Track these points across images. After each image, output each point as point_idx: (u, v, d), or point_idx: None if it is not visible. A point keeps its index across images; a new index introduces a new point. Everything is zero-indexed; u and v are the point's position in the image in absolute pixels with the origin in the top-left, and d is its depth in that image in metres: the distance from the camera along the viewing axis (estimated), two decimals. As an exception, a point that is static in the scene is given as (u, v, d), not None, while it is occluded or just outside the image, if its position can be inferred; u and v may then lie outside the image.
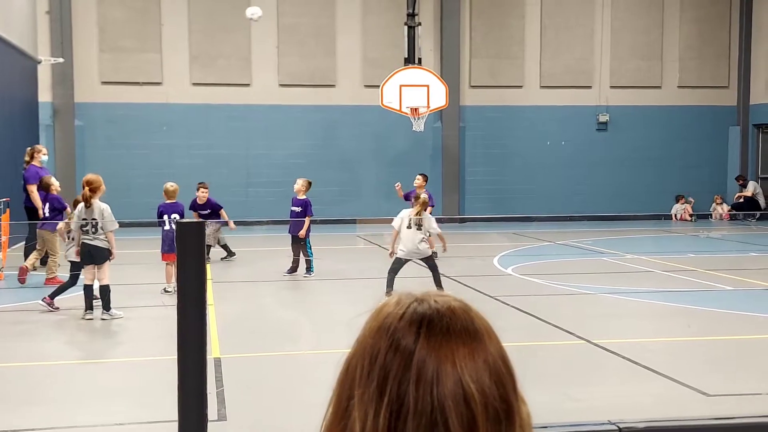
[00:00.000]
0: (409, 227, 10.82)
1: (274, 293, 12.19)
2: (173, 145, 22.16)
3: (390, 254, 11.20)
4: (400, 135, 21.97)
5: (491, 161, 23.38)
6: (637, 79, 24.01)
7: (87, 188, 9.71)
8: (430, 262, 11.07)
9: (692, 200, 23.65)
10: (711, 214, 23.52)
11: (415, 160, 22.90)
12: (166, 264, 11.35)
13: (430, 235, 11.03)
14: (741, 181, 23.82)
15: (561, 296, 11.48)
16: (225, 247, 14.82)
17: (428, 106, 18.96)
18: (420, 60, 19.72)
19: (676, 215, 23.48)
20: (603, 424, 2.57)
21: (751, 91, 24.28)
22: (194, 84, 22.42)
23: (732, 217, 23.41)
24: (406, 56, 19.63)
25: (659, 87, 24.18)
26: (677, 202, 23.69)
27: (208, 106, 22.35)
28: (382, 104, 19.03)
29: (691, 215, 23.21)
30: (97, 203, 9.75)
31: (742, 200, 23.59)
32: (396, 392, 1.01)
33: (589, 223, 21.69)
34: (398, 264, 10.92)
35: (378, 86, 19.40)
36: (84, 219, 9.69)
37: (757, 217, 23.23)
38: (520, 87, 23.66)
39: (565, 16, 23.62)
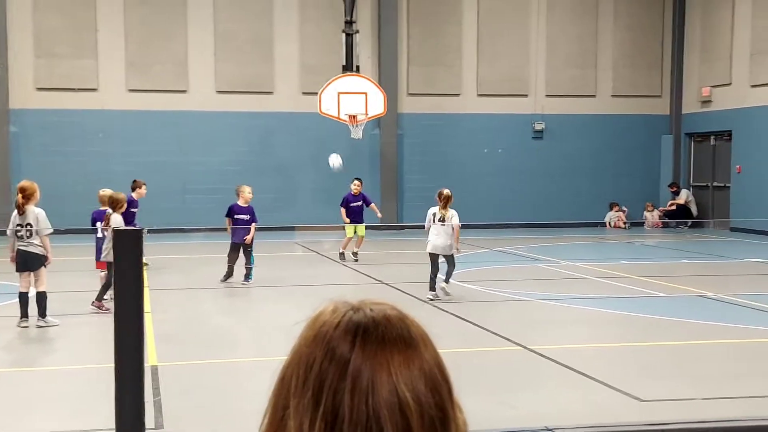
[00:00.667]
0: (434, 222, 11.61)
1: (212, 301, 12.05)
2: (109, 152, 21.79)
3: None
4: (338, 142, 21.93)
5: (429, 168, 23.52)
6: (571, 87, 24.44)
7: (20, 195, 9.53)
8: (451, 257, 11.57)
9: (625, 208, 24.15)
10: (644, 222, 24.04)
11: (354, 167, 22.87)
12: (101, 272, 11.16)
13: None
14: (674, 188, 24.41)
15: (497, 302, 11.59)
16: None
17: (366, 114, 18.99)
18: (358, 67, 19.76)
19: (610, 223, 23.94)
20: (539, 430, 2.60)
21: (683, 100, 24.90)
22: (130, 90, 22.09)
23: (665, 225, 23.96)
24: (344, 63, 19.65)
25: (594, 96, 24.65)
26: (611, 209, 24.16)
27: (145, 112, 22.03)
28: (320, 111, 18.99)
29: (624, 223, 23.69)
30: (32, 209, 9.54)
31: (674, 208, 24.17)
32: (331, 402, 1.00)
33: (525, 230, 21.98)
34: (434, 260, 11.49)
35: (316, 93, 19.36)
36: (18, 225, 9.50)
37: (689, 224, 23.83)
38: (458, 95, 23.88)
39: (500, 25, 23.93)
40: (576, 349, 8.60)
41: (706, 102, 24.01)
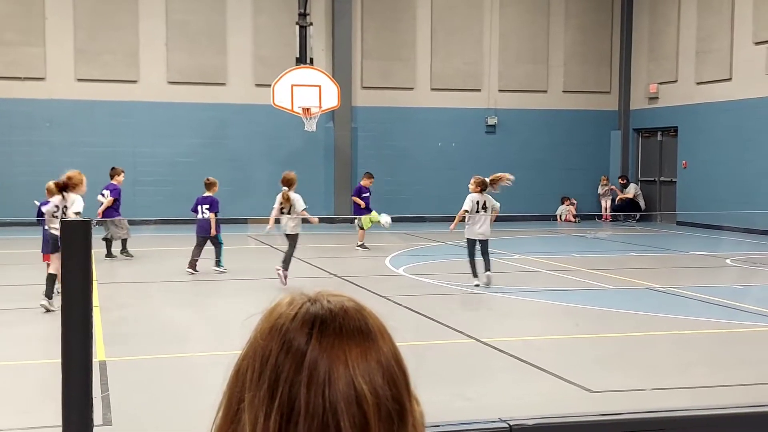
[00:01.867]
0: (478, 211, 12.13)
1: (164, 294, 11.90)
2: (56, 143, 21.38)
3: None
4: (292, 135, 21.87)
5: (383, 162, 23.53)
6: (524, 83, 24.64)
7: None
8: (486, 243, 12.09)
9: (575, 202, 24.44)
10: (557, 218, 24.10)
11: (308, 159, 22.83)
12: (48, 265, 10.94)
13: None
14: (623, 181, 24.78)
15: (452, 296, 11.65)
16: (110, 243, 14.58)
17: (320, 107, 18.95)
18: (312, 60, 19.70)
19: (561, 216, 24.22)
20: (494, 422, 2.61)
21: (632, 96, 25.28)
22: (79, 80, 21.69)
23: (614, 218, 24.32)
24: (298, 56, 19.57)
25: (545, 91, 24.89)
26: (562, 203, 24.45)
27: (94, 102, 21.66)
28: (274, 104, 18.90)
29: (575, 216, 23.99)
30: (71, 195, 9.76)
31: (623, 202, 24.53)
32: (287, 394, 0.99)
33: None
34: (472, 246, 12.04)
35: (269, 85, 19.25)
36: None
37: (638, 218, 24.22)
38: (411, 89, 23.92)
39: (454, 20, 24.02)
40: (528, 342, 8.69)
41: (654, 98, 24.41)
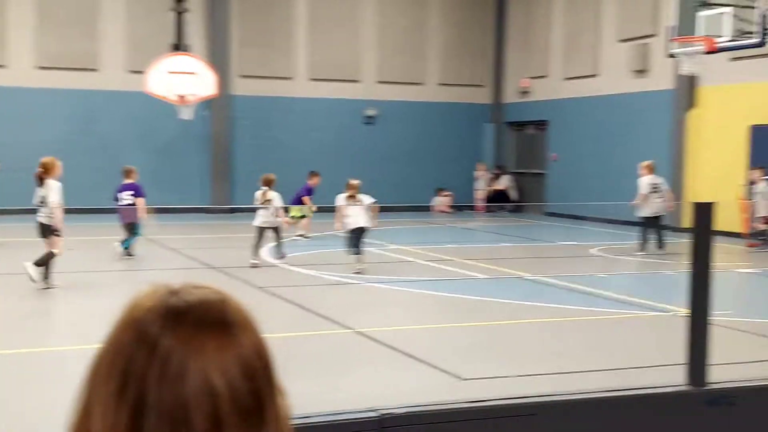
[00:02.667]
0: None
1: (24, 288, 11.40)
2: None
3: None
4: (168, 122, 21.32)
5: (261, 151, 23.32)
6: (401, 75, 24.91)
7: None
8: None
9: (450, 193, 24.94)
10: (430, 208, 24.58)
11: (184, 148, 22.38)
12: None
13: None
14: (498, 171, 25.45)
15: (328, 286, 11.70)
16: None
17: (196, 94, 18.58)
18: (188, 47, 19.29)
19: (436, 207, 24.66)
20: (365, 411, 2.66)
21: (504, 90, 25.99)
22: (-63, 62, 20.48)
23: (487, 209, 24.96)
24: (174, 42, 19.11)
25: (422, 84, 25.25)
26: (437, 194, 24.89)
27: (-46, 86, 20.51)
28: (148, 91, 18.40)
29: (450, 207, 24.47)
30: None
31: (495, 193, 25.20)
32: (138, 388, 0.97)
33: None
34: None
35: (143, 72, 18.73)
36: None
37: (510, 209, 24.95)
38: (290, 78, 23.79)
39: (332, 10, 24.01)
40: (402, 331, 8.83)
41: (525, 93, 25.18)
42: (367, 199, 12.98)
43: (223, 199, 22.82)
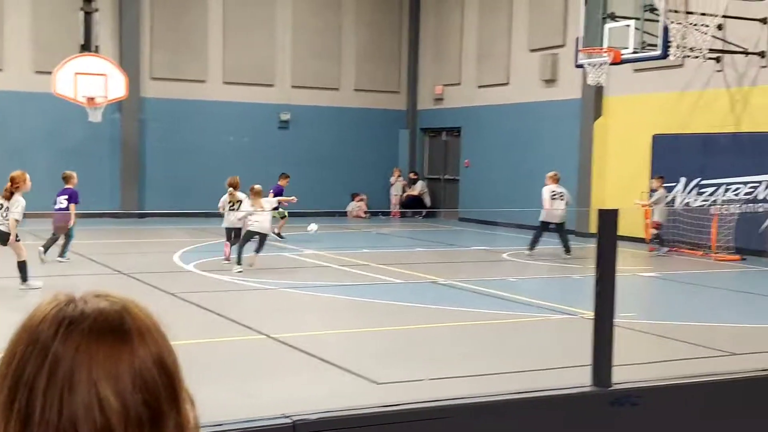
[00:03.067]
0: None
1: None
2: None
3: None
4: (75, 125, 20.75)
5: (173, 155, 22.94)
6: (317, 79, 24.89)
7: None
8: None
9: (365, 198, 25.03)
10: (347, 213, 24.76)
11: (93, 151, 21.82)
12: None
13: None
14: (414, 176, 25.64)
15: (242, 292, 11.59)
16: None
17: (106, 97, 18.17)
18: (97, 48, 18.82)
19: (351, 212, 24.71)
20: (277, 418, 2.65)
21: (419, 97, 26.25)
22: None
23: (402, 215, 25.14)
24: (83, 43, 18.63)
25: (337, 89, 25.28)
26: (353, 199, 24.94)
27: None
28: (55, 92, 17.89)
29: (365, 212, 24.55)
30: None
31: (409, 198, 25.41)
32: (28, 398, 0.95)
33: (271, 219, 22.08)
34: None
35: (51, 73, 18.20)
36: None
37: (424, 214, 25.19)
38: (203, 81, 23.48)
39: (246, 13, 23.82)
40: (317, 336, 8.82)
41: (439, 99, 25.49)
42: (268, 204, 13.55)
43: (133, 203, 22.33)
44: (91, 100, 17.90)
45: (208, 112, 23.39)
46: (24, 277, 10.93)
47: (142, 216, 22.27)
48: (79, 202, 13.83)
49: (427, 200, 25.71)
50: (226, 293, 11.37)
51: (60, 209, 13.56)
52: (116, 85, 18.32)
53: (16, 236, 10.90)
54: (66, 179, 14.13)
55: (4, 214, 10.99)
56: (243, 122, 23.83)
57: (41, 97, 20.08)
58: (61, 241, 13.47)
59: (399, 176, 25.40)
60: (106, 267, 13.33)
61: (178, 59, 23.03)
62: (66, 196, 13.67)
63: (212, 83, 23.59)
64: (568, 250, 15.57)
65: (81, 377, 0.95)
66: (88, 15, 18.61)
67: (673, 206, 17.53)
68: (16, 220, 10.89)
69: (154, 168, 22.79)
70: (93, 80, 17.95)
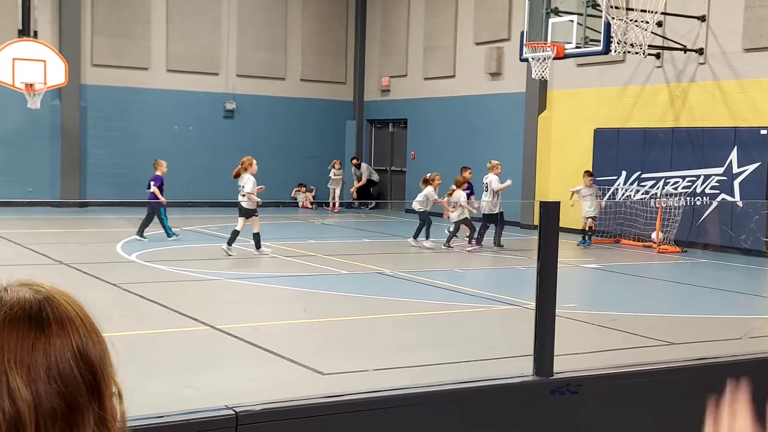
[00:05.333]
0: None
1: None
2: None
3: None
4: (14, 112, 20.29)
5: (115, 144, 22.55)
6: (262, 69, 24.69)
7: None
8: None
9: (313, 188, 24.95)
10: (298, 204, 24.69)
11: (31, 139, 21.35)
12: None
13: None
14: (356, 161, 25.52)
15: (186, 282, 11.47)
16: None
17: (45, 83, 17.81)
18: (36, 33, 18.43)
19: (299, 203, 24.60)
20: (220, 409, 2.64)
21: (365, 88, 26.23)
22: None
23: (348, 206, 25.12)
24: (20, 28, 18.20)
25: (283, 79, 25.12)
26: (299, 190, 24.83)
27: None
28: (-8, 78, 17.46)
29: (312, 203, 24.47)
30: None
31: (361, 189, 25.37)
32: None
33: (215, 209, 21.92)
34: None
35: (-13, 58, 17.75)
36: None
37: (372, 206, 25.21)
38: (146, 69, 23.10)
39: (192, 1, 23.50)
40: (262, 327, 8.78)
41: (386, 91, 25.51)
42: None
43: (74, 192, 21.91)
44: (29, 86, 17.54)
45: (151, 100, 23.04)
46: (258, 245, 13.40)
47: (83, 205, 21.88)
48: (162, 186, 15.38)
49: (375, 177, 25.50)
50: (170, 284, 11.24)
51: (150, 194, 15.17)
52: (56, 72, 17.96)
53: (254, 211, 13.21)
54: (155, 166, 15.72)
55: (241, 192, 13.53)
56: (187, 111, 23.53)
57: (-23, 83, 19.55)
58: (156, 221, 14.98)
59: (340, 168, 24.91)
60: (46, 257, 13.07)
61: (120, 46, 22.62)
62: (152, 182, 15.35)
63: (155, 71, 23.23)
64: (497, 241, 15.65)
65: None
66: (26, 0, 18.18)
67: (613, 199, 17.84)
68: (250, 194, 13.26)
69: (96, 156, 22.37)
70: (31, 66, 17.59)
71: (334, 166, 24.84)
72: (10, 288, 1.01)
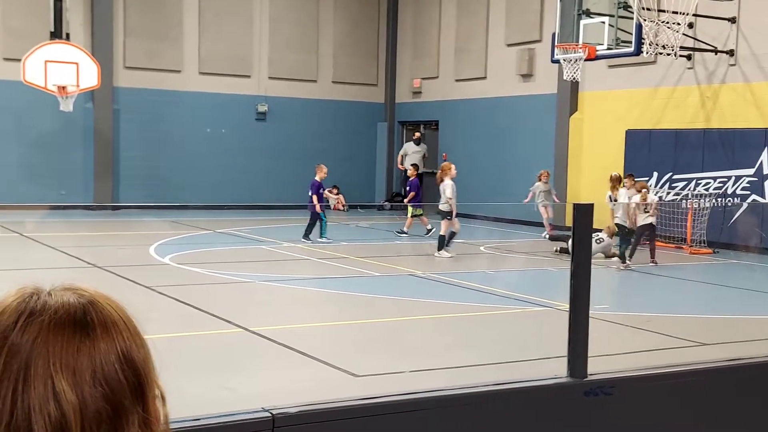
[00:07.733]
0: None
1: None
2: None
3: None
4: (46, 114, 20.53)
5: (148, 147, 22.76)
6: (294, 71, 24.79)
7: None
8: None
9: (338, 189, 24.96)
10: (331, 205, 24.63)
11: (64, 141, 21.61)
12: None
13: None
14: (417, 135, 25.22)
15: (220, 285, 11.56)
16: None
17: (77, 85, 17.99)
18: (68, 35, 18.60)
19: (330, 205, 24.65)
20: (257, 411, 2.66)
21: (397, 90, 26.25)
22: None
23: (380, 208, 25.14)
24: (53, 30, 18.41)
25: (315, 81, 25.21)
26: (331, 192, 24.87)
27: None
28: (25, 80, 17.69)
29: (344, 205, 24.51)
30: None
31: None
32: None
33: (248, 212, 22.04)
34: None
35: (20, 60, 17.98)
36: None
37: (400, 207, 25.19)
38: (179, 71, 23.30)
39: (224, 2, 23.66)
40: (297, 329, 8.82)
41: (417, 93, 25.51)
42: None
43: (107, 195, 22.15)
44: (62, 88, 17.72)
45: (184, 102, 23.23)
46: (445, 244, 14.03)
47: (116, 208, 22.11)
48: (320, 192, 16.06)
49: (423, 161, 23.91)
50: (204, 286, 11.34)
51: (310, 198, 15.82)
52: (88, 74, 18.13)
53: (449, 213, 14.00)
54: (316, 171, 16.39)
55: (442, 198, 14.25)
56: (220, 113, 23.69)
57: (10, 85, 19.86)
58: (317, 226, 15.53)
59: (337, 193, 23.50)
60: (80, 260, 13.24)
61: (153, 48, 22.82)
62: (311, 188, 16.06)
63: (188, 73, 23.42)
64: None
65: (37, 369, 0.94)
66: (57, 2, 18.38)
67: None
68: (450, 199, 13.99)
69: (129, 159, 22.60)
70: (64, 68, 17.76)
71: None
72: (54, 292, 1.02)
